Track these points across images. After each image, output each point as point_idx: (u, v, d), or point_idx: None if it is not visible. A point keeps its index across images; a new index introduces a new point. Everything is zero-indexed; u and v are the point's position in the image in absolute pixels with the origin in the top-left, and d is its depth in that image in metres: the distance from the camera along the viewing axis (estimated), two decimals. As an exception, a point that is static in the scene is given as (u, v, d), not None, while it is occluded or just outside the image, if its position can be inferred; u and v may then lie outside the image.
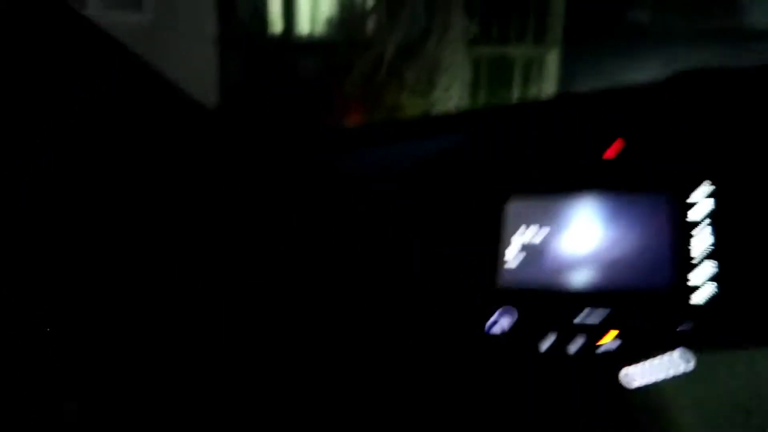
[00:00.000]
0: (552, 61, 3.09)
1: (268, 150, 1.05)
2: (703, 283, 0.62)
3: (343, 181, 0.94)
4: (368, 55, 2.78)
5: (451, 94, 2.73)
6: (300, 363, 0.76)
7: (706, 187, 0.65)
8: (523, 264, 0.70)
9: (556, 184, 0.73)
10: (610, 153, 0.72)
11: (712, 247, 0.63)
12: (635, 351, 0.62)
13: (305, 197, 0.95)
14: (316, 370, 0.76)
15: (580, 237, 0.69)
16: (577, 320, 0.65)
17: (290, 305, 0.80)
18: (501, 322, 0.68)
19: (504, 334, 0.68)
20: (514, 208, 0.74)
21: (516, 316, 0.68)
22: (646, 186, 0.68)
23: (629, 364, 0.62)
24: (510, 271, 0.71)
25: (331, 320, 0.77)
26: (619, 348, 0.63)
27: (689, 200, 0.66)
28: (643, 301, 0.63)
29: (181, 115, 0.94)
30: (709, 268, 0.62)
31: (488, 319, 0.68)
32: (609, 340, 0.63)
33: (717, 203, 0.64)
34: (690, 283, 0.62)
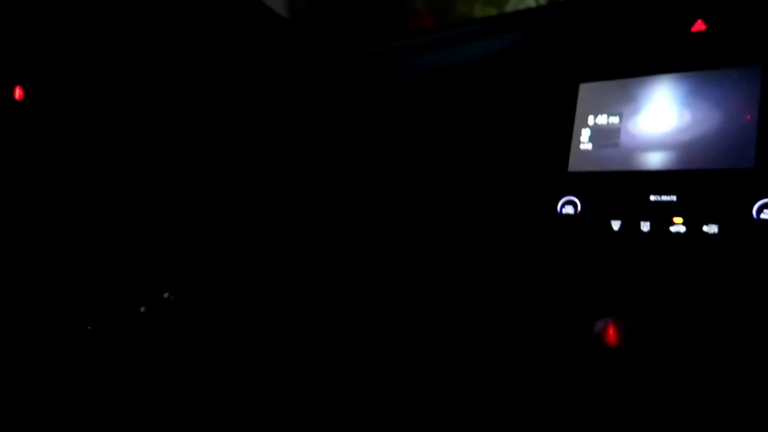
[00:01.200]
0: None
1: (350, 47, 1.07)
2: (789, 158, 0.59)
3: (422, 77, 0.95)
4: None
5: (528, 3, 2.59)
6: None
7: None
8: (599, 145, 0.70)
9: (638, 64, 0.70)
10: (694, 28, 0.68)
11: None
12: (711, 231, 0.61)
13: (388, 95, 0.97)
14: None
15: (661, 117, 0.67)
16: (653, 199, 0.65)
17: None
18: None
19: (577, 215, 0.68)
20: (587, 90, 0.72)
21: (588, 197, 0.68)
22: (732, 60, 0.65)
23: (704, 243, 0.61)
24: (584, 152, 0.70)
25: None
26: (693, 228, 0.62)
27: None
28: (724, 180, 0.62)
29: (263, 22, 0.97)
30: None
31: (561, 198, 0.69)
32: (682, 220, 0.63)
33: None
34: (776, 159, 0.59)
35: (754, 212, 0.59)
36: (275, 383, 0.82)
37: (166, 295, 1.02)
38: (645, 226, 0.65)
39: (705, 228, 0.61)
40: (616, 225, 0.66)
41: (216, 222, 0.95)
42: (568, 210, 0.70)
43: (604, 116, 0.71)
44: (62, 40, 0.77)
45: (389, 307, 0.81)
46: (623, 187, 0.67)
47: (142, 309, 1.00)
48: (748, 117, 0.62)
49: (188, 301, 0.89)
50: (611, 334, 0.60)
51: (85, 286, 0.80)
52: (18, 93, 0.73)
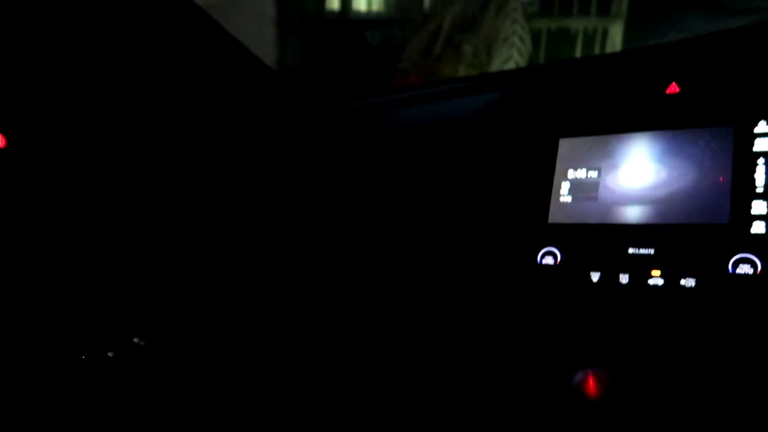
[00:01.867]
0: (616, 34, 2.98)
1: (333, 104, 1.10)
2: (762, 215, 0.61)
3: (406, 131, 0.97)
4: (425, 28, 2.77)
5: (510, 67, 2.70)
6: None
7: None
8: (578, 198, 0.71)
9: (616, 122, 0.73)
10: (669, 91, 0.71)
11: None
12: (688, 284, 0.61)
13: (367, 147, 0.99)
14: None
15: (638, 172, 0.69)
16: (631, 251, 0.65)
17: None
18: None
19: (556, 265, 0.69)
20: (567, 145, 0.74)
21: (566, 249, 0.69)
22: (705, 121, 0.67)
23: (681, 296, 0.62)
24: (564, 205, 0.72)
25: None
26: (671, 280, 0.63)
27: (749, 135, 0.64)
28: (700, 234, 0.63)
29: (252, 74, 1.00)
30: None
31: (541, 249, 0.70)
32: (659, 273, 0.63)
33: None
34: (750, 215, 0.61)
35: (729, 267, 0.60)
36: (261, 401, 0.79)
37: (136, 340, 0.99)
38: (624, 278, 0.65)
39: (682, 281, 0.62)
40: (595, 277, 0.67)
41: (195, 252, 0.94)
42: (548, 261, 0.70)
43: (584, 170, 0.72)
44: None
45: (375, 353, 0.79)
46: (602, 239, 0.68)
47: (110, 354, 0.97)
48: (721, 176, 0.64)
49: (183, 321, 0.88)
50: (591, 385, 0.59)
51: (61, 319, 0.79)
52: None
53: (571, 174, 0.73)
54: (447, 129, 0.93)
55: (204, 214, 0.96)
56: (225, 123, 1.02)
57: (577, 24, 2.95)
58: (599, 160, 0.72)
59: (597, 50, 2.88)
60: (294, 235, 0.99)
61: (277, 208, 1.03)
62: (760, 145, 0.63)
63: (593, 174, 0.72)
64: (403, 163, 0.94)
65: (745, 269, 0.59)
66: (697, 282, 0.61)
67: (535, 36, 2.87)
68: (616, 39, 2.98)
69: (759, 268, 0.58)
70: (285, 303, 0.92)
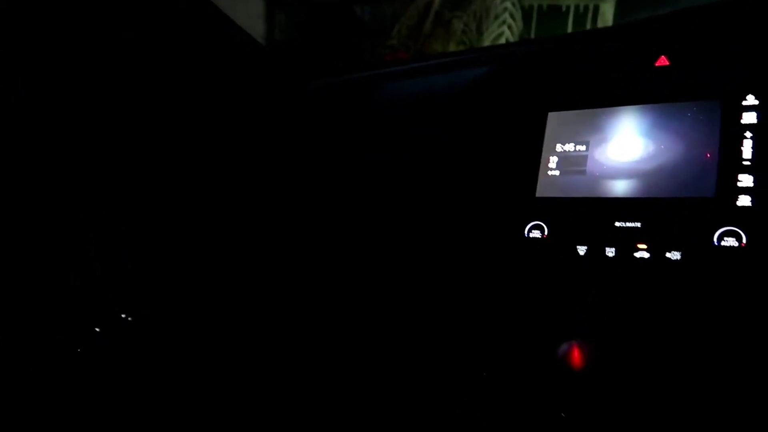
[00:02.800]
0: (607, 11, 2.96)
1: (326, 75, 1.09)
2: (748, 188, 0.61)
3: (394, 106, 0.96)
4: (415, 5, 2.74)
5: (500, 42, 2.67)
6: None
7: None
8: (566, 172, 0.71)
9: (604, 95, 0.72)
10: (658, 63, 0.71)
11: (757, 156, 0.61)
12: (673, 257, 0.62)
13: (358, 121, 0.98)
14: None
15: (626, 146, 0.69)
16: (618, 225, 0.65)
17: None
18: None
19: (543, 239, 0.69)
20: (555, 119, 0.74)
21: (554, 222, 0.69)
22: (693, 95, 0.67)
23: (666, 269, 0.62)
24: (551, 179, 0.71)
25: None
26: (656, 254, 0.63)
27: (737, 108, 0.64)
28: (686, 208, 0.63)
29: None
30: (754, 175, 0.61)
31: (528, 222, 0.70)
32: (646, 246, 0.63)
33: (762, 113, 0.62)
34: (736, 188, 0.61)
35: (714, 239, 0.60)
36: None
37: (123, 315, 0.99)
38: (610, 252, 0.65)
39: (668, 254, 0.62)
40: (581, 250, 0.67)
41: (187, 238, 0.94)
42: (536, 234, 0.70)
43: (572, 144, 0.72)
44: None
45: (362, 328, 0.80)
46: (589, 213, 0.68)
47: (97, 329, 0.97)
48: (708, 150, 0.64)
49: (168, 315, 0.87)
50: (576, 356, 0.60)
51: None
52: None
53: (560, 148, 0.73)
54: (435, 104, 0.92)
55: (187, 188, 0.95)
56: (213, 98, 1.01)
57: (569, 1, 2.92)
58: (588, 133, 0.71)
59: (588, 27, 2.86)
60: (280, 210, 0.99)
61: (263, 183, 1.02)
62: (747, 118, 0.63)
63: (581, 148, 0.71)
64: (390, 137, 0.93)
65: (730, 242, 0.59)
66: (682, 255, 0.61)
67: (527, 13, 2.84)
68: (607, 16, 2.96)
69: (744, 240, 0.59)
70: (269, 276, 0.92)
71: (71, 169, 0.82)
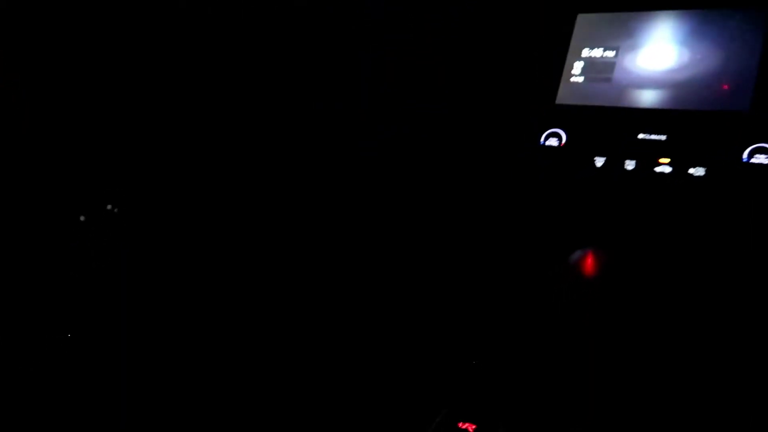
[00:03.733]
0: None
1: None
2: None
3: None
4: None
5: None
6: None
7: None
8: (591, 79, 0.66)
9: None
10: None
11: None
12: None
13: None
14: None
15: (659, 54, 0.64)
16: (641, 137, 0.62)
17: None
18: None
19: (560, 147, 0.65)
20: (585, 21, 0.68)
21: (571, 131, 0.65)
22: (738, 1, 0.62)
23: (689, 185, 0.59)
24: (574, 85, 0.67)
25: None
26: (679, 168, 0.59)
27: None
28: (717, 121, 0.59)
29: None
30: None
31: (546, 130, 0.66)
32: (669, 161, 0.60)
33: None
34: (772, 103, 0.57)
35: (745, 156, 0.57)
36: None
37: (109, 206, 0.96)
38: (630, 165, 0.62)
39: (691, 170, 0.59)
40: (599, 161, 0.63)
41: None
42: (552, 142, 0.66)
43: (600, 50, 0.67)
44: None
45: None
46: (611, 123, 0.64)
47: (82, 218, 0.94)
48: (747, 63, 0.59)
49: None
50: (588, 264, 0.57)
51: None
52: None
53: (586, 53, 0.68)
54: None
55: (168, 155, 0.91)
56: (186, 54, 0.94)
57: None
58: (618, 38, 0.66)
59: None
60: (270, 165, 0.92)
61: (243, 144, 0.96)
62: (792, 30, 0.58)
63: (610, 54, 0.66)
64: (408, 38, 0.86)
65: (761, 159, 0.56)
66: (707, 171, 0.58)
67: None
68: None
69: (776, 158, 0.55)
70: (259, 254, 0.87)
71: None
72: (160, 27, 0.90)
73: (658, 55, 0.64)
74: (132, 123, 0.90)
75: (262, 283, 0.81)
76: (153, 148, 0.91)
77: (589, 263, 0.58)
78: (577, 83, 0.67)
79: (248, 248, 0.86)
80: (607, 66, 0.66)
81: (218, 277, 0.85)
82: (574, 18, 0.69)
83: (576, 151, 0.65)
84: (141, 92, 0.91)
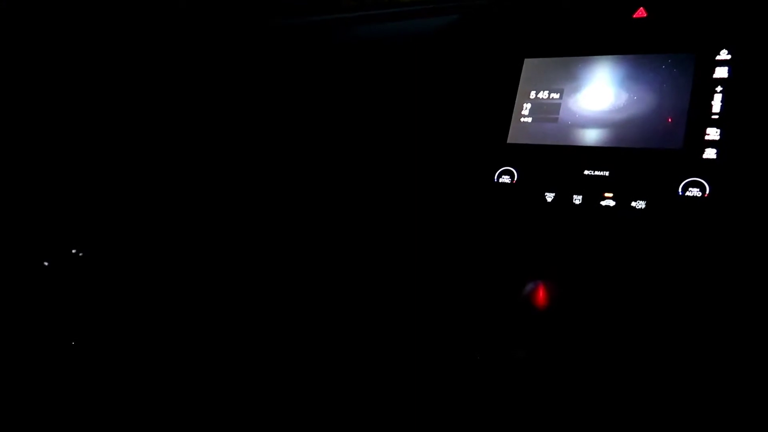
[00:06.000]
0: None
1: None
2: (714, 142, 0.62)
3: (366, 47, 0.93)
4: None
5: None
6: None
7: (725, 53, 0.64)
8: (539, 119, 0.71)
9: (581, 44, 0.72)
10: (636, 15, 0.70)
11: (725, 110, 0.62)
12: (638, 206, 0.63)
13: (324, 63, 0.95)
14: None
15: (600, 96, 0.69)
16: (586, 173, 0.66)
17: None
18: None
19: (513, 184, 0.69)
20: (532, 65, 0.73)
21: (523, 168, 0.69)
22: (668, 47, 0.67)
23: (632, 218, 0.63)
24: (524, 125, 0.71)
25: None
26: (622, 202, 0.64)
27: (710, 62, 0.65)
28: (654, 158, 0.64)
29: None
30: (721, 129, 0.62)
31: (499, 168, 0.69)
32: (612, 195, 0.64)
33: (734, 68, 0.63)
34: (704, 140, 0.62)
35: (680, 190, 0.61)
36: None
37: (74, 250, 0.96)
38: (577, 199, 0.66)
39: (633, 203, 0.63)
40: (549, 197, 0.67)
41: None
42: (505, 179, 0.70)
43: (546, 92, 0.72)
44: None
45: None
46: (559, 160, 0.68)
47: (45, 263, 0.94)
48: (678, 104, 0.64)
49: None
50: (540, 296, 0.60)
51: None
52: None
53: (533, 95, 0.72)
54: (406, 47, 0.90)
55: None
56: (170, 38, 0.96)
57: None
58: (563, 81, 0.71)
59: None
60: (241, 154, 0.96)
61: (222, 127, 0.99)
62: (719, 72, 0.64)
63: (555, 96, 0.71)
64: (354, 82, 0.90)
65: (694, 192, 0.60)
66: (647, 204, 0.62)
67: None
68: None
69: (707, 191, 0.60)
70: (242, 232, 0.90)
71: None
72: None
73: (599, 97, 0.68)
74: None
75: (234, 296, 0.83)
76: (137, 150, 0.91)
77: (542, 294, 0.61)
78: (526, 123, 0.71)
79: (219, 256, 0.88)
80: (553, 107, 0.70)
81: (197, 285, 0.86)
82: (521, 62, 0.74)
83: (528, 188, 0.68)
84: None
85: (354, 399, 0.69)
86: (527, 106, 0.72)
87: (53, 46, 0.83)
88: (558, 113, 0.70)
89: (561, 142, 0.69)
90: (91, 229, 0.89)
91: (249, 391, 0.75)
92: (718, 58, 0.64)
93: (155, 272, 0.90)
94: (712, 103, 0.63)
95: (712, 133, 0.62)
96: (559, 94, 0.71)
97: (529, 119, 0.71)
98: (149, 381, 0.80)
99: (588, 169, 0.66)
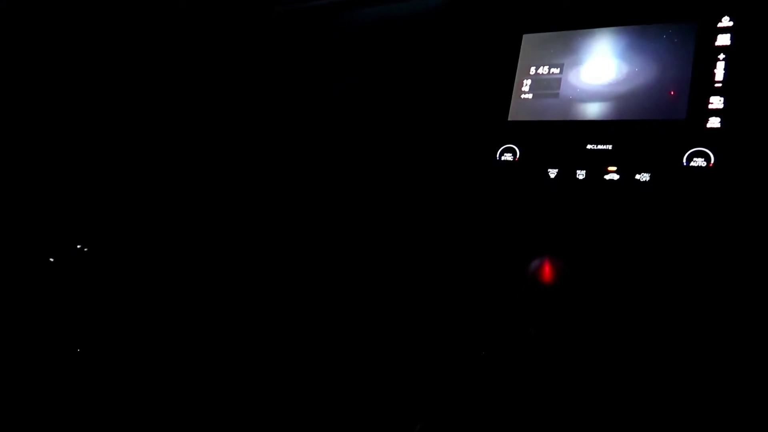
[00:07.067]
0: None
1: None
2: (718, 110, 0.61)
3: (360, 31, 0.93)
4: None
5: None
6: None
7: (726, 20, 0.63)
8: (539, 95, 0.70)
9: (580, 17, 0.71)
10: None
11: (728, 78, 0.61)
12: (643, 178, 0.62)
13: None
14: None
15: (600, 69, 0.68)
16: (589, 147, 0.65)
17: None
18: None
19: (515, 161, 0.68)
20: (530, 41, 0.72)
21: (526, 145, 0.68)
22: (670, 17, 0.66)
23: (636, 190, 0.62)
24: (524, 102, 0.70)
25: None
26: (626, 175, 0.63)
27: (712, 30, 0.63)
28: (658, 130, 0.63)
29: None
30: (725, 97, 0.61)
31: (500, 146, 0.69)
32: (616, 168, 0.64)
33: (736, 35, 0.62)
34: (707, 110, 0.61)
35: (684, 160, 0.60)
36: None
37: (79, 246, 0.96)
38: (580, 174, 0.65)
39: (637, 176, 0.62)
40: (552, 173, 0.67)
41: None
42: (507, 157, 0.69)
43: (546, 67, 0.71)
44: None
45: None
46: (561, 136, 0.67)
47: (51, 259, 0.94)
48: (681, 73, 0.63)
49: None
50: (547, 273, 0.60)
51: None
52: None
53: (533, 71, 0.71)
54: (405, 27, 0.89)
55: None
56: (172, 25, 0.95)
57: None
58: (562, 56, 0.70)
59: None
60: (242, 142, 0.95)
61: (224, 113, 0.98)
62: (721, 40, 0.63)
63: (555, 71, 0.70)
64: (357, 64, 0.90)
65: (698, 162, 0.60)
66: (651, 176, 0.62)
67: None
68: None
69: (712, 160, 0.59)
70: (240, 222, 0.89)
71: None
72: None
73: (600, 70, 0.68)
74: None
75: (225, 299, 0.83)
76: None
77: (548, 269, 0.61)
78: (527, 100, 0.71)
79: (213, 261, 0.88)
80: (554, 82, 0.70)
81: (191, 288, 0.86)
82: (520, 38, 0.73)
83: (530, 165, 0.68)
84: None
85: (356, 376, 0.68)
86: (527, 82, 0.71)
87: (53, 45, 0.82)
88: (559, 88, 0.69)
89: (562, 118, 0.68)
90: (95, 224, 0.89)
91: (249, 390, 0.76)
92: (720, 25, 0.63)
93: (159, 268, 0.90)
94: (715, 71, 0.62)
95: (716, 102, 0.61)
96: (559, 69, 0.70)
97: (530, 95, 0.71)
98: (151, 379, 0.80)
99: (591, 144, 0.66)
